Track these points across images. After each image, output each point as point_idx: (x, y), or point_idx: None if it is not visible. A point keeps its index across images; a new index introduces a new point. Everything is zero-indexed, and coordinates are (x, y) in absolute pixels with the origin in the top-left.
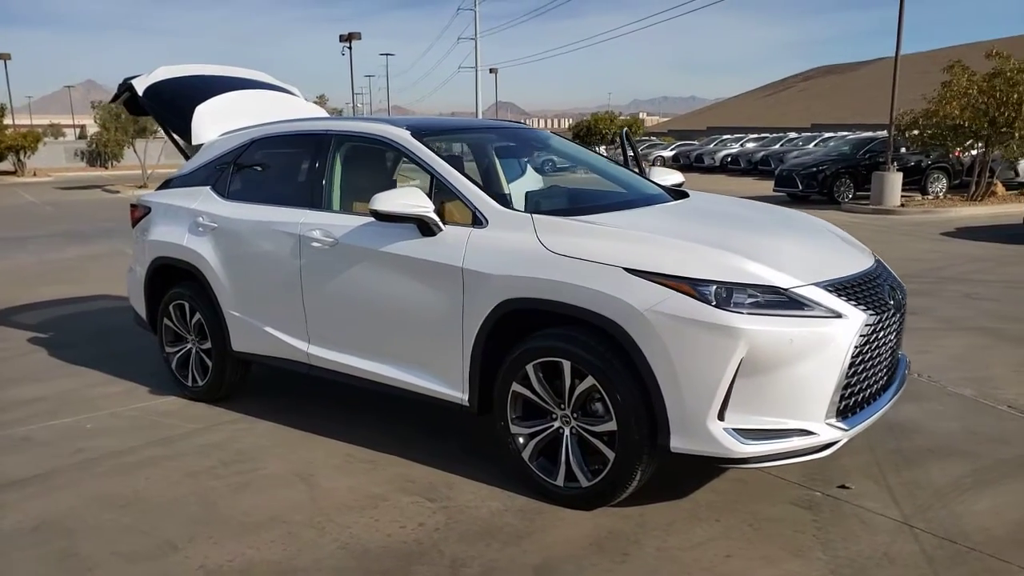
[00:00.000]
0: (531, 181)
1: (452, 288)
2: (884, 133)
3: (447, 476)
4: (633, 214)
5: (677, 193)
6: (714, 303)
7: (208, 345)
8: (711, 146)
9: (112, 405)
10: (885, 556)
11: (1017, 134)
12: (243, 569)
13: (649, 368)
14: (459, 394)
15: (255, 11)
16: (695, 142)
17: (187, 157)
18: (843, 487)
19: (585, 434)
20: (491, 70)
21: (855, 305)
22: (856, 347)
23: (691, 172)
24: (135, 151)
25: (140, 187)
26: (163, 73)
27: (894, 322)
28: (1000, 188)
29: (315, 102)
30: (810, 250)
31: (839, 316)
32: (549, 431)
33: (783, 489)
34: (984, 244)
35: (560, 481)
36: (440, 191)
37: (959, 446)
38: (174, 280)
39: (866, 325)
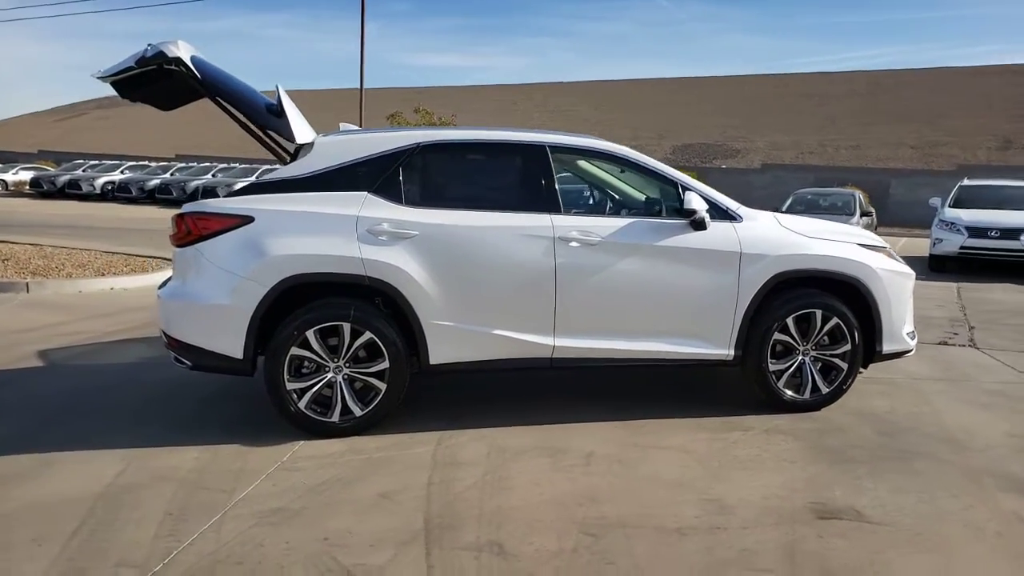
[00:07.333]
0: None
1: (729, 269)
2: None
3: (713, 419)
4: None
5: None
6: (899, 260)
7: (380, 366)
8: (84, 172)
9: (261, 466)
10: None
11: None
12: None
13: (876, 304)
14: (725, 352)
15: None
16: (48, 167)
17: (273, 152)
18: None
19: (825, 357)
20: None
21: None
22: None
23: (67, 200)
24: None
25: None
26: (191, 49)
27: None
28: None
29: None
30: None
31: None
32: (796, 363)
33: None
34: None
35: (807, 394)
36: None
37: None
38: (305, 301)
39: None
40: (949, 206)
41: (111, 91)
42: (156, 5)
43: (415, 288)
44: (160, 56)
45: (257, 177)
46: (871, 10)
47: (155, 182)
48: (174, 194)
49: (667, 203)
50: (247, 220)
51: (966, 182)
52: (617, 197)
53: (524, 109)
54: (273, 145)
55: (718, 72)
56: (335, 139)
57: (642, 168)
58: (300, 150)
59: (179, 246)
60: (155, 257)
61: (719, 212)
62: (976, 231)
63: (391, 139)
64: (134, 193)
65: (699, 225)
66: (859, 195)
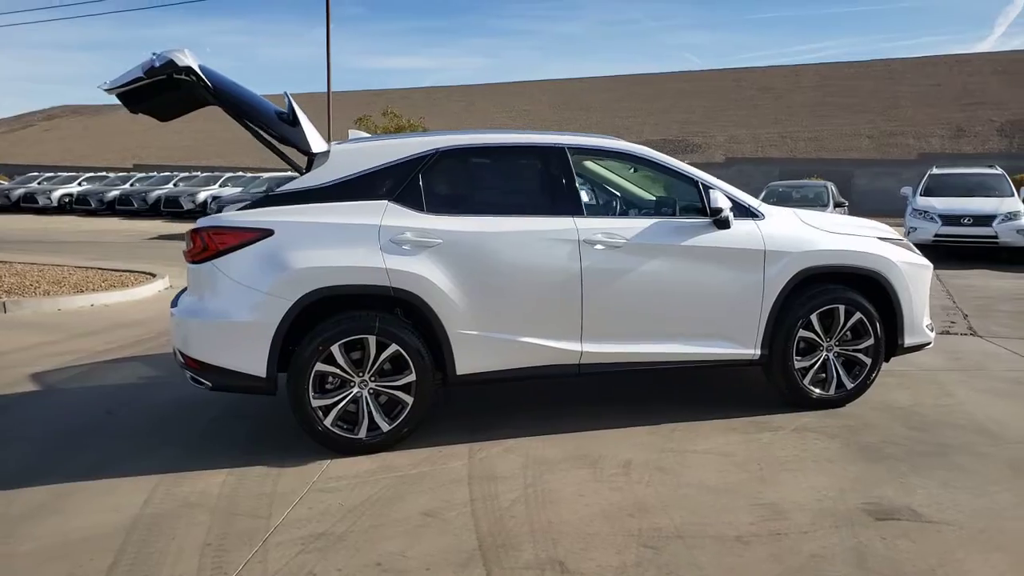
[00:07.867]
0: None
1: (754, 267)
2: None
3: (740, 420)
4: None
5: None
6: (916, 252)
7: (407, 379)
8: (39, 184)
9: (293, 488)
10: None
11: None
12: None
13: (898, 298)
14: (751, 351)
15: None
16: (0, 181)
17: (288, 161)
18: None
19: (848, 353)
20: None
21: None
22: None
23: (23, 214)
24: None
25: None
26: (194, 58)
27: None
28: None
29: None
30: None
31: None
32: (820, 359)
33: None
34: None
35: (832, 391)
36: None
37: None
38: (324, 315)
39: None
40: (920, 195)
41: (57, 102)
42: (95, 15)
43: (441, 297)
44: (170, 65)
45: (220, 185)
46: (819, 4)
47: (115, 193)
48: (135, 205)
49: (689, 202)
50: (267, 233)
51: (935, 171)
52: (636, 198)
53: (483, 109)
54: (286, 154)
55: (674, 68)
56: (351, 147)
57: (662, 167)
58: (315, 159)
59: (194, 262)
60: (133, 271)
61: (741, 210)
62: (949, 219)
63: (409, 146)
64: (93, 205)
65: (723, 224)
66: (831, 186)
